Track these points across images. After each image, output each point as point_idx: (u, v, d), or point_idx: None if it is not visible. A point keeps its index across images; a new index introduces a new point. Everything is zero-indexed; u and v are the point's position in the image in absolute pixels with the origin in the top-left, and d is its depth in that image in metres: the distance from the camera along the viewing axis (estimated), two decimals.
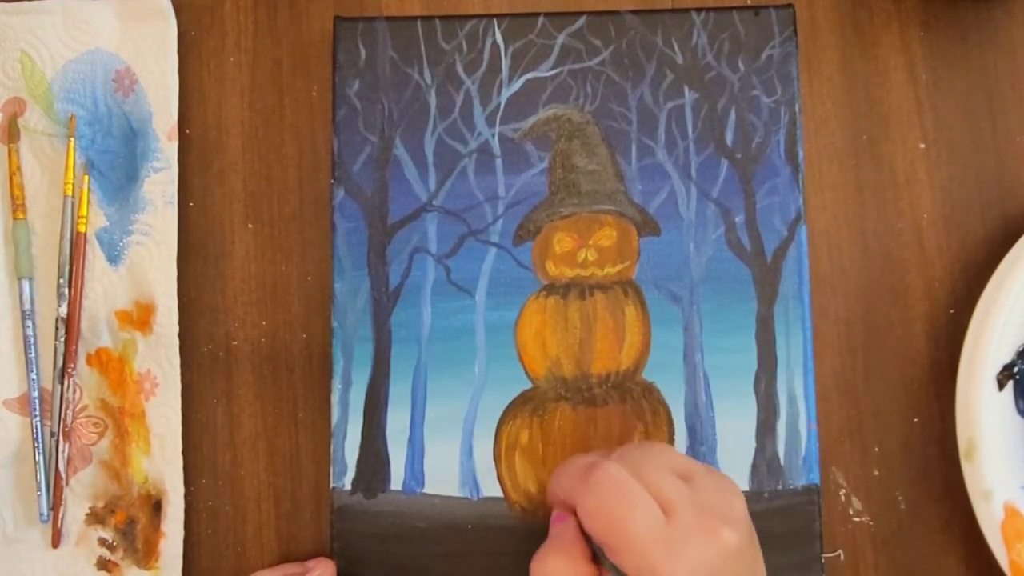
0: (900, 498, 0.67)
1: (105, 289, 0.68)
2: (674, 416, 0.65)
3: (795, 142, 0.66)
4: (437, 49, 0.68)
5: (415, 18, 0.68)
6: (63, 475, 0.67)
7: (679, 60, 0.67)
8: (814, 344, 0.67)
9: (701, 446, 0.65)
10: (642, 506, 0.53)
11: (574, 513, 0.56)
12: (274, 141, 0.70)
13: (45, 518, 0.66)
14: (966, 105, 0.69)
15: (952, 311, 0.68)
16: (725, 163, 0.67)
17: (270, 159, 0.70)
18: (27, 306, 0.68)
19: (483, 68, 0.68)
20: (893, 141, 0.69)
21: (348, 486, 0.65)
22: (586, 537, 0.55)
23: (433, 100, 0.68)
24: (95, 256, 0.68)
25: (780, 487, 0.64)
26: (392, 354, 0.66)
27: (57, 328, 0.67)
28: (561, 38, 0.68)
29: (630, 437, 0.65)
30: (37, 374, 0.67)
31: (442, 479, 0.65)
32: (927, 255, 0.69)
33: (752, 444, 0.65)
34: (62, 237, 0.68)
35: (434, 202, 0.67)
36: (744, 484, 0.64)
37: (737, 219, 0.66)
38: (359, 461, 0.65)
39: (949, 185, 0.69)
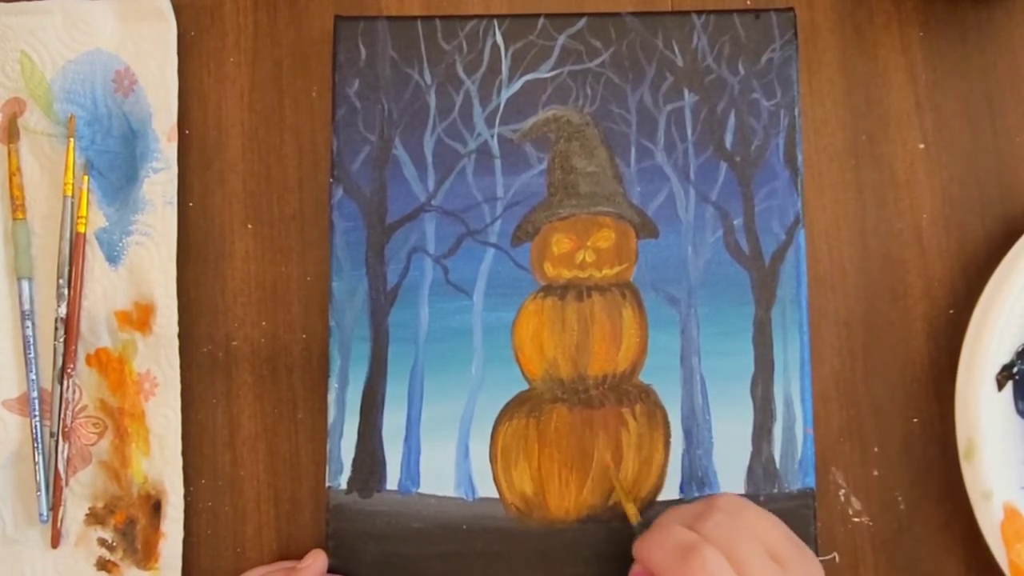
0: (900, 498, 0.67)
1: (105, 289, 0.68)
2: (671, 419, 0.65)
3: (794, 145, 0.66)
4: (437, 49, 0.68)
5: (415, 18, 0.68)
6: (63, 475, 0.67)
7: (679, 62, 0.67)
8: (814, 344, 0.67)
9: (697, 449, 0.65)
10: None
11: None
12: (274, 141, 0.70)
13: (45, 518, 0.66)
14: (966, 105, 0.69)
15: (952, 311, 0.68)
16: (724, 166, 0.66)
17: (270, 159, 0.70)
18: (27, 306, 0.68)
19: (483, 68, 0.68)
20: (893, 141, 0.69)
21: (344, 485, 0.65)
22: None
23: (433, 100, 0.68)
24: (95, 256, 0.68)
25: (776, 491, 0.64)
26: (389, 354, 0.66)
27: (56, 328, 0.67)
28: (561, 39, 0.67)
29: (618, 438, 0.65)
30: (37, 374, 0.67)
31: (438, 479, 0.65)
32: (927, 255, 0.68)
33: (748, 448, 0.65)
34: (62, 237, 0.68)
35: (433, 202, 0.67)
36: (740, 488, 0.65)
37: (735, 222, 0.66)
38: (355, 460, 0.65)
39: (949, 185, 0.69)
